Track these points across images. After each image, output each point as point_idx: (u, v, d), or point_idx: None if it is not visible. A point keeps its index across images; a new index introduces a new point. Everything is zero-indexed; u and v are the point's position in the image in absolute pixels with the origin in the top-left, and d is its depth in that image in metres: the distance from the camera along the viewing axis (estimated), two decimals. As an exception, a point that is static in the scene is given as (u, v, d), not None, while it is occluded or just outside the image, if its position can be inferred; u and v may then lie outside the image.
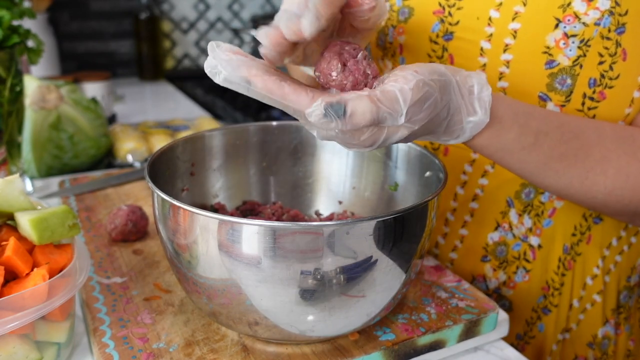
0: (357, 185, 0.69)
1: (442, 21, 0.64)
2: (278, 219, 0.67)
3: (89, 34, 1.90)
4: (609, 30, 0.57)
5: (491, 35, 0.61)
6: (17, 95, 0.86)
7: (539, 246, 0.69)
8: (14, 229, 0.53)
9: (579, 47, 0.58)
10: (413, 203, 0.49)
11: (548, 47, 0.59)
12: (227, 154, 0.68)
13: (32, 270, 0.51)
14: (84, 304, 0.61)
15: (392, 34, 0.69)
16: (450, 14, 0.64)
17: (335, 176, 0.70)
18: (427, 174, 0.60)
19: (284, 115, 1.57)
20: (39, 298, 0.49)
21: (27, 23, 1.22)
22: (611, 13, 0.57)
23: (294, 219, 0.68)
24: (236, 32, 2.10)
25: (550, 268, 0.70)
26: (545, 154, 0.53)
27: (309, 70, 0.62)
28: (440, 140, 0.51)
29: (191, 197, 0.66)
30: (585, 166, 0.54)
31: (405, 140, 0.47)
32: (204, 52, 2.08)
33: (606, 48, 0.58)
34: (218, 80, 0.44)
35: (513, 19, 0.60)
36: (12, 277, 0.51)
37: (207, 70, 0.44)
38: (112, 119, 1.42)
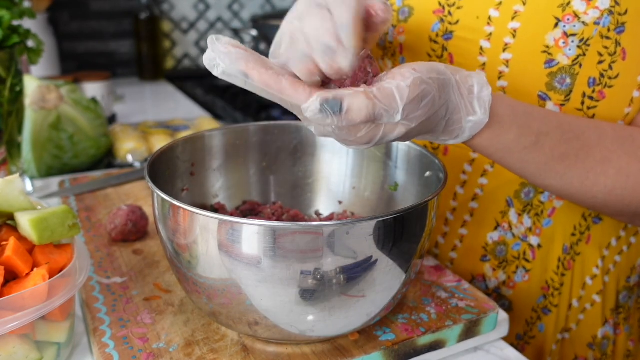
0: (357, 185, 0.69)
1: (442, 20, 0.64)
2: (278, 219, 0.67)
3: (89, 34, 1.90)
4: (609, 30, 0.57)
5: (491, 34, 0.61)
6: (17, 95, 0.86)
7: (539, 246, 0.69)
8: (14, 229, 0.53)
9: (578, 47, 0.58)
10: (413, 203, 0.49)
11: (547, 47, 0.59)
12: (227, 154, 0.68)
13: (32, 270, 0.51)
14: (84, 304, 0.61)
15: (392, 34, 0.69)
16: (450, 13, 0.64)
17: (335, 176, 0.70)
18: (427, 174, 0.60)
19: (284, 115, 1.57)
20: (39, 298, 0.49)
21: (27, 23, 1.21)
22: (611, 12, 0.57)
23: (294, 219, 0.68)
24: (236, 32, 2.10)
25: (549, 268, 0.70)
26: (546, 154, 0.53)
27: None
28: (439, 140, 0.51)
29: (191, 197, 0.66)
30: (586, 166, 0.54)
31: (403, 138, 0.47)
32: (204, 52, 2.07)
33: (606, 47, 0.58)
34: (216, 72, 0.44)
35: (513, 18, 0.60)
36: (12, 277, 0.51)
37: (206, 62, 0.44)
38: (112, 119, 1.42)
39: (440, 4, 0.64)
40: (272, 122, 0.69)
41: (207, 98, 1.77)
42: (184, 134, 1.21)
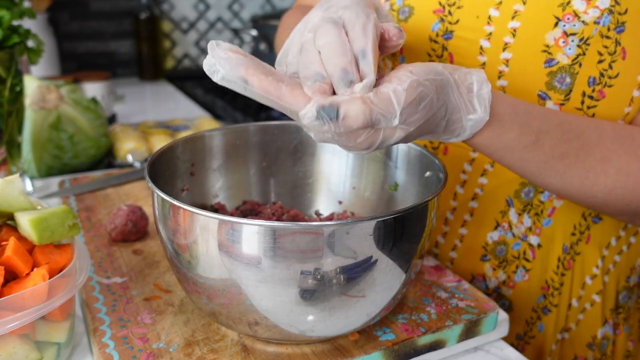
0: (357, 185, 0.69)
1: (442, 20, 0.64)
2: (278, 219, 0.67)
3: (89, 34, 1.90)
4: (609, 29, 0.57)
5: (491, 34, 0.61)
6: (17, 95, 0.86)
7: (539, 245, 0.69)
8: (14, 229, 0.53)
9: (578, 46, 0.58)
10: (413, 203, 0.49)
11: (547, 46, 0.59)
12: (227, 154, 0.68)
13: (32, 270, 0.51)
14: (84, 304, 0.61)
15: (392, 34, 0.69)
16: (450, 12, 0.64)
17: (335, 176, 0.70)
18: (427, 174, 0.60)
19: (284, 115, 1.56)
20: (39, 298, 0.49)
21: (27, 23, 1.22)
22: (611, 12, 0.57)
23: (294, 219, 0.68)
24: (236, 32, 2.10)
25: (549, 267, 0.70)
26: (546, 154, 0.53)
27: None
28: (441, 139, 0.51)
29: (191, 197, 0.66)
30: (586, 166, 0.54)
31: (403, 141, 0.47)
32: (204, 52, 2.08)
33: (605, 47, 0.58)
34: (216, 78, 0.44)
35: (512, 18, 0.60)
36: (12, 277, 0.51)
37: (206, 68, 0.44)
38: (112, 119, 1.42)
39: (440, 3, 0.64)
40: (272, 122, 0.69)
41: (207, 98, 1.77)
42: (184, 134, 1.21)
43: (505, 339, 0.63)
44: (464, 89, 0.49)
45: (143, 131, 1.21)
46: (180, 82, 1.94)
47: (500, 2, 0.60)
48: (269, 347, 0.54)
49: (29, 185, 0.94)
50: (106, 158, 1.12)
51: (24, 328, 0.49)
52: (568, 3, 0.57)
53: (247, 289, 0.48)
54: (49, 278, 0.50)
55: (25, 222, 0.51)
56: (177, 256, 0.52)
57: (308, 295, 0.48)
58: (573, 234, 0.69)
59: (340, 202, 0.70)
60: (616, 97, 0.60)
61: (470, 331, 0.59)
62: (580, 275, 0.71)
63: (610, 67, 0.59)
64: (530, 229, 0.69)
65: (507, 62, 0.61)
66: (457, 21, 0.63)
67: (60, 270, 0.52)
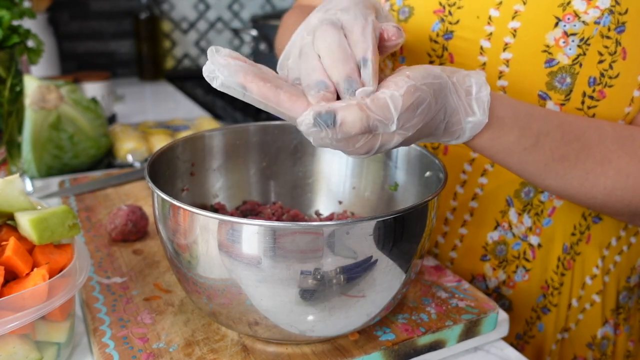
0: (357, 185, 0.69)
1: (442, 20, 0.64)
2: (278, 219, 0.67)
3: (89, 34, 1.90)
4: (609, 29, 0.57)
5: (491, 34, 0.61)
6: (17, 95, 0.86)
7: (539, 245, 0.69)
8: (14, 229, 0.53)
9: (578, 46, 0.58)
10: (413, 203, 0.49)
11: (548, 46, 0.59)
12: (227, 154, 0.68)
13: (32, 270, 0.51)
14: (84, 304, 0.61)
15: (392, 34, 0.69)
16: (450, 13, 0.64)
17: (335, 176, 0.70)
18: (427, 174, 0.60)
19: (284, 115, 1.56)
20: (39, 298, 0.49)
21: (27, 23, 1.22)
22: (611, 12, 0.57)
23: (294, 219, 0.68)
24: (236, 32, 2.10)
25: (549, 267, 0.70)
26: (546, 155, 0.53)
27: None
28: (441, 141, 0.51)
29: (191, 197, 0.66)
30: (586, 167, 0.54)
31: (403, 144, 0.47)
32: (204, 52, 2.08)
33: (606, 47, 0.58)
34: (215, 84, 0.44)
35: (513, 18, 0.60)
36: (12, 277, 0.51)
37: (205, 74, 0.45)
38: (112, 119, 1.42)
39: (440, 3, 0.64)
40: (272, 122, 0.69)
41: (207, 98, 1.77)
42: (184, 134, 1.21)
43: (504, 338, 0.63)
44: (463, 91, 0.49)
45: (143, 131, 1.21)
46: (180, 82, 1.94)
47: (501, 3, 0.60)
48: (269, 347, 0.54)
49: (29, 185, 0.94)
50: (106, 158, 1.12)
51: (24, 328, 0.49)
52: (568, 3, 0.57)
53: (247, 289, 0.48)
54: (49, 278, 0.50)
55: (25, 222, 0.51)
56: (177, 256, 0.52)
57: (308, 295, 0.48)
58: (573, 234, 0.69)
59: (340, 202, 0.70)
60: (616, 97, 0.60)
61: (470, 331, 0.59)
62: (580, 275, 0.71)
63: (611, 67, 0.59)
64: (530, 228, 0.69)
65: (507, 62, 0.61)
66: (458, 21, 0.63)
67: (60, 270, 0.52)
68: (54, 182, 0.97)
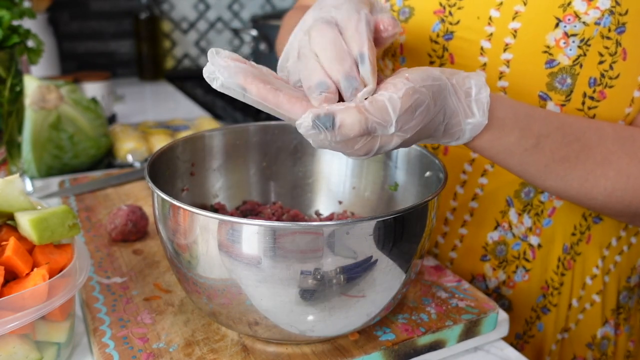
0: (357, 185, 0.69)
1: (442, 21, 0.64)
2: (278, 219, 0.67)
3: (89, 34, 1.90)
4: (609, 30, 0.57)
5: (491, 34, 0.61)
6: (17, 95, 0.86)
7: (539, 246, 0.69)
8: (14, 229, 0.53)
9: (579, 47, 0.58)
10: (413, 203, 0.49)
11: (548, 47, 0.59)
12: (227, 154, 0.68)
13: (32, 270, 0.51)
14: (84, 304, 0.61)
15: (392, 34, 0.69)
16: (450, 13, 0.64)
17: (335, 176, 0.70)
18: (427, 174, 0.60)
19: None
20: (39, 298, 0.49)
21: (27, 23, 1.22)
22: (611, 12, 0.57)
23: (294, 219, 0.68)
24: (236, 32, 2.10)
25: (549, 267, 0.70)
26: (547, 157, 0.53)
27: None
28: (441, 142, 0.51)
29: (191, 197, 0.66)
30: (586, 168, 0.54)
31: (401, 146, 0.47)
32: (204, 52, 2.08)
33: (606, 47, 0.58)
34: (215, 85, 0.45)
35: (513, 19, 0.60)
36: (12, 277, 0.51)
37: (205, 75, 0.45)
38: (112, 119, 1.42)
39: (440, 4, 0.64)
40: (272, 122, 0.69)
41: (207, 98, 1.77)
42: (184, 134, 1.21)
43: (504, 338, 0.63)
44: (462, 93, 0.49)
45: (143, 131, 1.21)
46: (180, 82, 1.94)
47: (501, 3, 0.60)
48: (269, 347, 0.54)
49: (29, 185, 0.94)
50: (106, 158, 1.12)
51: (24, 328, 0.49)
52: (569, 4, 0.57)
53: (247, 289, 0.48)
54: (49, 278, 0.50)
55: (25, 222, 0.51)
56: (177, 256, 0.52)
57: (308, 295, 0.48)
58: (573, 234, 0.69)
59: (340, 202, 0.70)
60: (617, 97, 0.60)
61: (470, 331, 0.59)
62: (580, 276, 0.71)
63: (611, 67, 0.59)
64: (530, 229, 0.69)
65: (507, 63, 0.61)
66: (458, 22, 0.63)
67: (60, 270, 0.52)
68: (54, 182, 0.97)
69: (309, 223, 0.46)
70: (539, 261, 0.70)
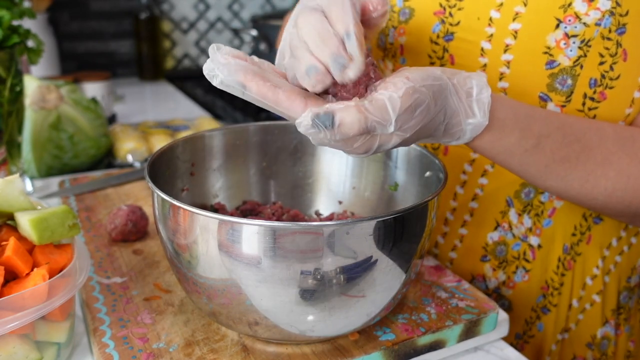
0: (357, 185, 0.69)
1: (442, 22, 0.64)
2: (278, 219, 0.67)
3: (89, 34, 1.90)
4: (610, 31, 0.57)
5: (492, 35, 0.61)
6: (17, 95, 0.86)
7: (539, 246, 0.69)
8: (14, 229, 0.53)
9: (579, 48, 0.58)
10: (413, 203, 0.49)
11: (548, 48, 0.59)
12: (227, 154, 0.68)
13: (32, 270, 0.51)
14: (84, 304, 0.61)
15: (393, 35, 0.69)
16: (451, 14, 0.64)
17: (335, 176, 0.70)
18: (427, 174, 0.60)
19: (284, 115, 1.56)
20: (39, 298, 0.49)
21: (27, 23, 1.22)
22: (612, 13, 0.57)
23: (294, 219, 0.68)
24: (236, 32, 2.10)
25: (549, 268, 0.70)
26: (547, 157, 0.53)
27: None
28: (441, 142, 0.51)
29: (191, 197, 0.66)
30: (587, 169, 0.54)
31: (400, 145, 0.47)
32: (204, 52, 2.08)
33: (607, 48, 0.58)
34: (215, 82, 0.45)
35: (514, 20, 0.60)
36: (12, 277, 0.51)
37: (205, 72, 0.45)
38: (112, 119, 1.42)
39: (441, 5, 0.64)
40: (272, 122, 0.69)
41: (207, 98, 1.77)
42: (184, 134, 1.21)
43: (504, 338, 0.63)
44: (463, 93, 0.49)
45: (143, 131, 1.21)
46: (180, 82, 1.94)
47: (501, 4, 0.60)
48: (269, 347, 0.54)
49: (29, 185, 0.94)
50: (106, 158, 1.12)
51: (24, 328, 0.49)
52: (569, 5, 0.57)
53: (247, 289, 0.48)
54: (49, 278, 0.50)
55: (25, 222, 0.51)
56: (177, 256, 0.52)
57: (308, 295, 0.48)
58: (573, 235, 0.69)
59: (340, 202, 0.70)
60: (617, 98, 0.60)
61: (470, 331, 0.59)
62: (580, 276, 0.71)
63: (612, 68, 0.59)
64: (530, 229, 0.69)
65: (508, 63, 0.61)
66: (458, 23, 0.63)
67: (60, 270, 0.52)
68: (54, 182, 0.97)
69: (309, 223, 0.46)
70: (539, 261, 0.70)
